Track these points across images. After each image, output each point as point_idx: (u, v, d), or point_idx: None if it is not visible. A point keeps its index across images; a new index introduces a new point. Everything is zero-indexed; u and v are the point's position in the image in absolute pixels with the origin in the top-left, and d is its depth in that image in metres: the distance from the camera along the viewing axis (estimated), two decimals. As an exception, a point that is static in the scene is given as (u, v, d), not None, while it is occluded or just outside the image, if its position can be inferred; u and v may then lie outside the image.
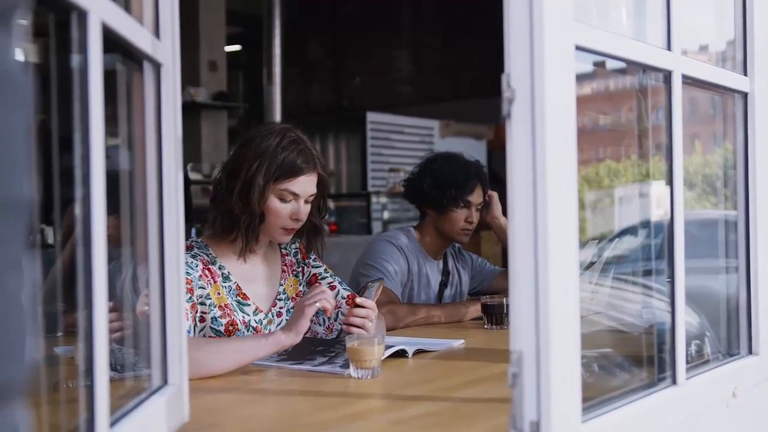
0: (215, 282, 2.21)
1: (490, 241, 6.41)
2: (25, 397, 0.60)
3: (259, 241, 2.30)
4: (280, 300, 2.36)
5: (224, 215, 2.23)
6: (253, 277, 2.32)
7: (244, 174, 2.18)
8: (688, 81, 1.58)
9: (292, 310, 2.35)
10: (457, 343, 2.39)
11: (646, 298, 1.91)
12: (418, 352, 2.22)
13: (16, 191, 0.55)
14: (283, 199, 2.22)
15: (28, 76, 0.59)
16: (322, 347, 2.18)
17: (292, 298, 2.39)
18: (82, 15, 0.99)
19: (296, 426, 1.55)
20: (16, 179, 0.56)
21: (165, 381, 1.37)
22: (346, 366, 1.93)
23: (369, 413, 1.67)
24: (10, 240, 0.55)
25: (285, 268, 2.41)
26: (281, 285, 2.38)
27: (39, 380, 1.03)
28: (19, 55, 0.59)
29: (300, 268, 2.44)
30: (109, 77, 1.07)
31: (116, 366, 1.35)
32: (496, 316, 2.68)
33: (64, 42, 1.01)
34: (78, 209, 1.00)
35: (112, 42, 1.11)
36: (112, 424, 1.08)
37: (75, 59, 1.00)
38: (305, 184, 2.24)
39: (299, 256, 2.45)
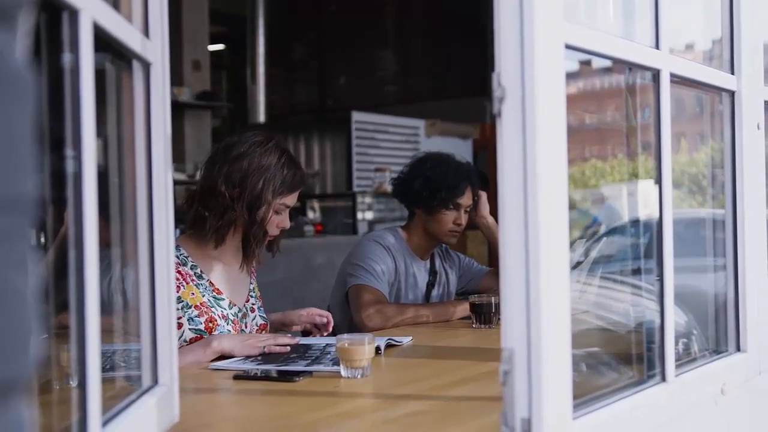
0: (188, 283, 2.24)
1: (476, 241, 6.43)
2: (30, 394, 0.60)
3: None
4: (252, 296, 2.44)
5: (228, 226, 2.27)
6: (226, 275, 2.38)
7: (249, 189, 2.24)
8: (676, 79, 1.58)
9: (261, 308, 2.47)
10: (406, 340, 2.40)
11: (634, 297, 1.92)
12: (389, 346, 2.27)
13: (21, 188, 0.55)
14: (278, 212, 2.31)
15: (31, 74, 0.58)
16: (299, 351, 2.17)
17: (259, 297, 2.48)
18: (74, 14, 0.98)
19: (287, 426, 1.55)
20: (22, 177, 0.55)
21: (155, 381, 1.37)
22: (336, 363, 1.93)
23: (360, 412, 1.67)
24: (15, 237, 0.55)
25: (252, 269, 2.49)
26: (251, 283, 2.47)
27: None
28: (23, 54, 0.59)
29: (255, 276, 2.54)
30: (98, 76, 1.07)
31: (104, 366, 1.35)
32: (485, 315, 2.68)
33: (54, 40, 1.00)
34: (69, 210, 0.99)
35: (102, 41, 1.10)
36: (104, 424, 1.07)
37: (66, 58, 0.99)
38: (296, 196, 2.36)
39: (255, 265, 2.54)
